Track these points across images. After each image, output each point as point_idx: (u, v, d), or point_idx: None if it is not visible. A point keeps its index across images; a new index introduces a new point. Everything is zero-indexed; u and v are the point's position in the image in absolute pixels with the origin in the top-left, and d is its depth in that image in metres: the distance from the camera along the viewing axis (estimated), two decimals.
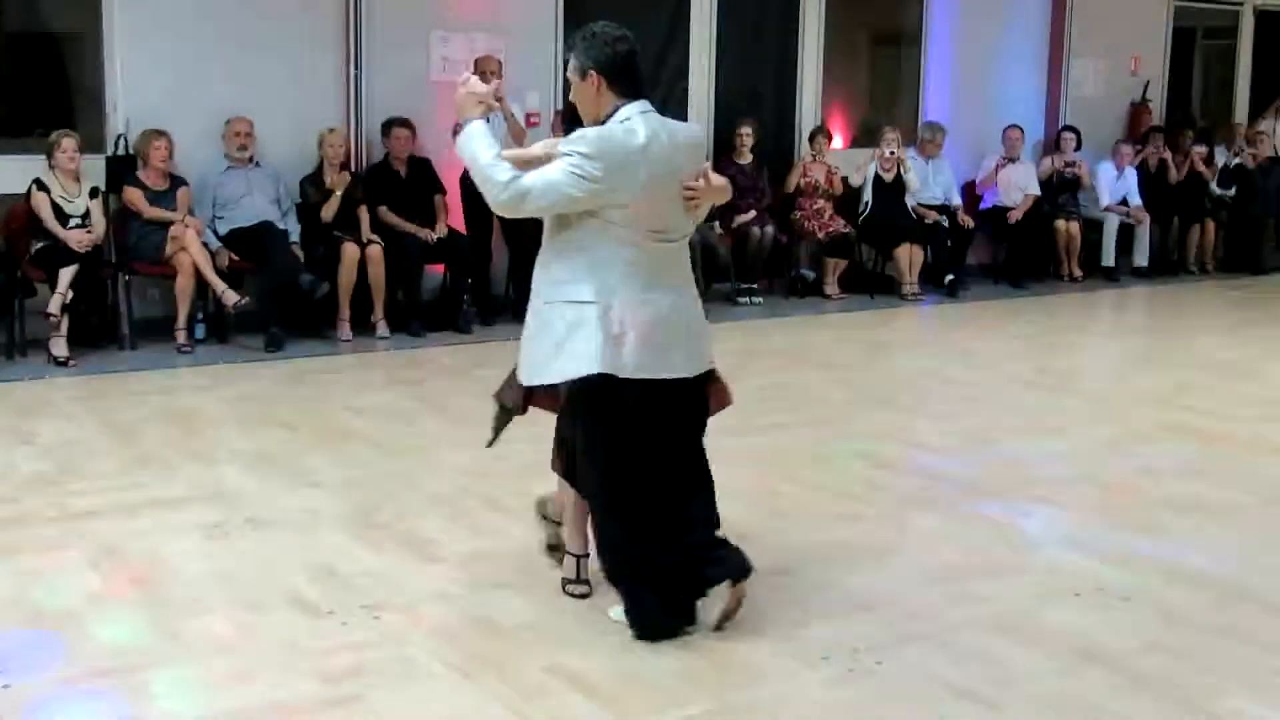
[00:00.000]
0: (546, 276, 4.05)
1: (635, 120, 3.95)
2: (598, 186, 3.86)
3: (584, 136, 3.90)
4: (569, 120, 4.34)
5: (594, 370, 3.91)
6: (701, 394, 4.16)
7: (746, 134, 10.70)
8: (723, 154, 10.81)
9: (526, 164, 4.02)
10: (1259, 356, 9.03)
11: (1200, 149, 13.16)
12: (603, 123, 3.97)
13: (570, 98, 4.15)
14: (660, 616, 4.05)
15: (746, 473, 5.64)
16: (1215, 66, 14.84)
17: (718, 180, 4.27)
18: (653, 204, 3.97)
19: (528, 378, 4.10)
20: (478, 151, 3.95)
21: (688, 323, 4.10)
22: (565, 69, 4.11)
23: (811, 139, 11.26)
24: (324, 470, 5.90)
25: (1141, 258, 12.69)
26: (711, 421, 4.27)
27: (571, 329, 3.94)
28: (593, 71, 3.97)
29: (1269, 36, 14.61)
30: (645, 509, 4.04)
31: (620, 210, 3.91)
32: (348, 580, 4.56)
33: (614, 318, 3.92)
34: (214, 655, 3.96)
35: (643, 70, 4.09)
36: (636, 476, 4.02)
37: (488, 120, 4.09)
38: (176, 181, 8.62)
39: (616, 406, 3.96)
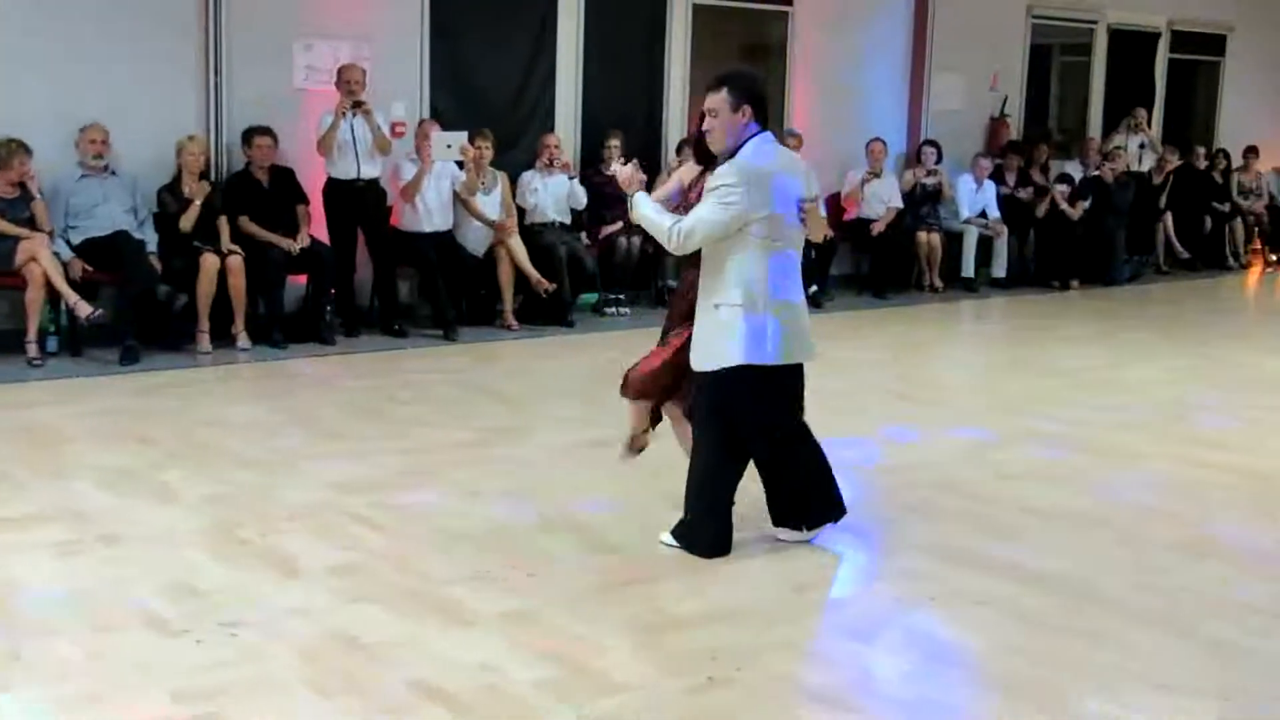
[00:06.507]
0: (708, 284, 4.91)
1: (766, 147, 4.89)
2: (740, 207, 4.74)
3: (722, 172, 4.81)
4: (696, 148, 5.14)
5: (741, 361, 4.81)
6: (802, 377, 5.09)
7: (614, 145, 10.69)
8: (590, 165, 10.83)
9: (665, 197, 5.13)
10: (1112, 365, 9.29)
11: (1062, 188, 13.46)
12: (739, 144, 4.86)
13: (704, 126, 4.96)
14: (719, 539, 4.98)
15: (605, 481, 5.65)
16: (1071, 82, 15.24)
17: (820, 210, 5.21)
18: (777, 218, 4.82)
19: (698, 363, 4.94)
20: (647, 213, 4.96)
21: (805, 318, 5.02)
22: (706, 102, 4.92)
23: (679, 150, 11.30)
24: (182, 485, 5.76)
25: (1000, 269, 12.98)
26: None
27: (725, 327, 4.82)
28: (747, 105, 4.86)
29: (1122, 53, 15.07)
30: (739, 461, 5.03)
31: (759, 223, 4.78)
32: (205, 597, 4.47)
33: (758, 315, 4.79)
34: (61, 678, 3.84)
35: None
36: (765, 437, 4.99)
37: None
38: (26, 190, 8.38)
39: (758, 387, 4.87)
